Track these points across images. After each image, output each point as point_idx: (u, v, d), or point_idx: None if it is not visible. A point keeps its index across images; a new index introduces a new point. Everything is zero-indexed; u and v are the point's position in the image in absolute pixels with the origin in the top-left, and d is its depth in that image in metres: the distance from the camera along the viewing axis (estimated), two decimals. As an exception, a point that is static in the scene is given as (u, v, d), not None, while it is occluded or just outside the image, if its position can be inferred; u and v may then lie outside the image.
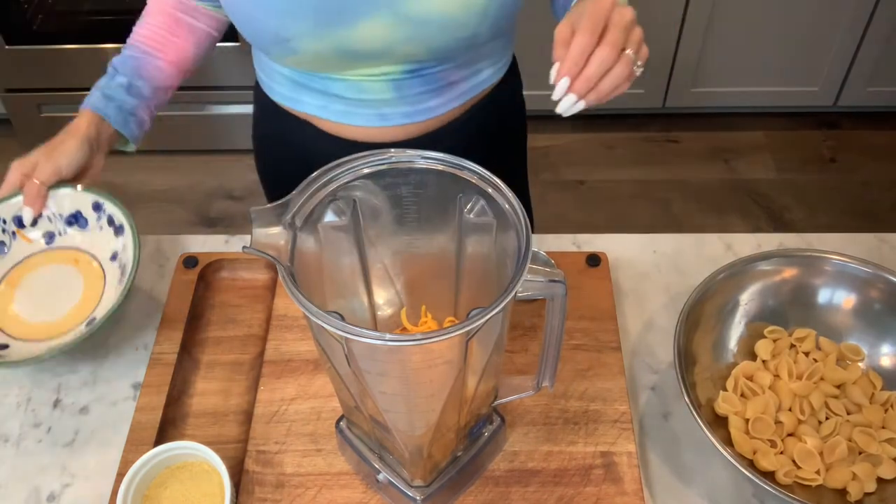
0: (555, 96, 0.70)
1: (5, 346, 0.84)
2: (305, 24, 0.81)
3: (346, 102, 0.91)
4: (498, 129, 1.04)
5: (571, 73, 0.69)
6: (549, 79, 0.70)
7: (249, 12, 0.83)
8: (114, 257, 0.90)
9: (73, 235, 0.92)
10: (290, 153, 1.01)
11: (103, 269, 0.90)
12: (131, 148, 0.97)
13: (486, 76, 0.95)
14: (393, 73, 0.88)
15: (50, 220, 0.92)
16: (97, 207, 0.91)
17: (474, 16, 0.82)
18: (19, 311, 0.88)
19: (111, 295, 0.88)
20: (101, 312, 0.85)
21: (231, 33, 0.97)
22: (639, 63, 0.72)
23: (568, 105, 0.70)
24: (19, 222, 0.91)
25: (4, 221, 0.91)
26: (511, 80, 1.02)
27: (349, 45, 0.83)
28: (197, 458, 0.77)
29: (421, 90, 0.90)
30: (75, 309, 0.87)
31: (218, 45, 0.99)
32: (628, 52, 0.70)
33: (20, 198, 0.91)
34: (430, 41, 0.84)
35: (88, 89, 0.93)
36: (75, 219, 0.92)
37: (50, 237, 0.92)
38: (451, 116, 0.95)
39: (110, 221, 0.90)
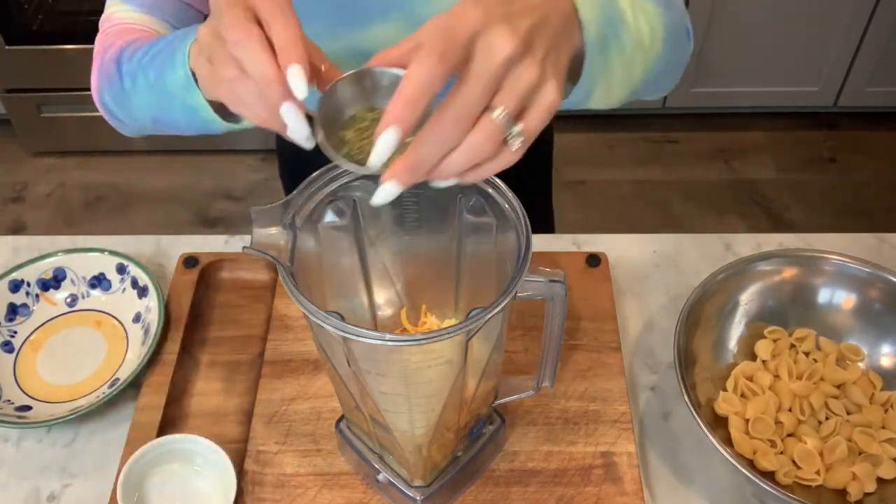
0: (371, 164, 0.47)
1: (28, 408, 0.84)
2: (320, 25, 0.80)
3: None
4: None
5: (403, 120, 0.45)
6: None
7: None
8: (137, 319, 0.91)
9: (96, 298, 0.93)
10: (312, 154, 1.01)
11: (126, 331, 0.91)
12: None
13: None
14: None
15: (73, 282, 0.93)
16: (121, 270, 0.92)
17: None
18: (42, 373, 0.88)
19: (134, 356, 0.88)
20: (123, 374, 0.86)
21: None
22: (517, 130, 0.47)
23: (384, 196, 0.48)
24: (43, 285, 0.92)
25: (29, 284, 0.92)
26: None
27: (362, 46, 0.82)
28: (199, 453, 0.77)
29: None
30: (98, 370, 0.88)
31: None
32: (497, 113, 0.46)
33: (46, 260, 0.92)
34: None
35: (88, 89, 0.92)
36: (98, 281, 0.93)
37: (73, 300, 0.93)
38: None
39: (134, 284, 0.91)
